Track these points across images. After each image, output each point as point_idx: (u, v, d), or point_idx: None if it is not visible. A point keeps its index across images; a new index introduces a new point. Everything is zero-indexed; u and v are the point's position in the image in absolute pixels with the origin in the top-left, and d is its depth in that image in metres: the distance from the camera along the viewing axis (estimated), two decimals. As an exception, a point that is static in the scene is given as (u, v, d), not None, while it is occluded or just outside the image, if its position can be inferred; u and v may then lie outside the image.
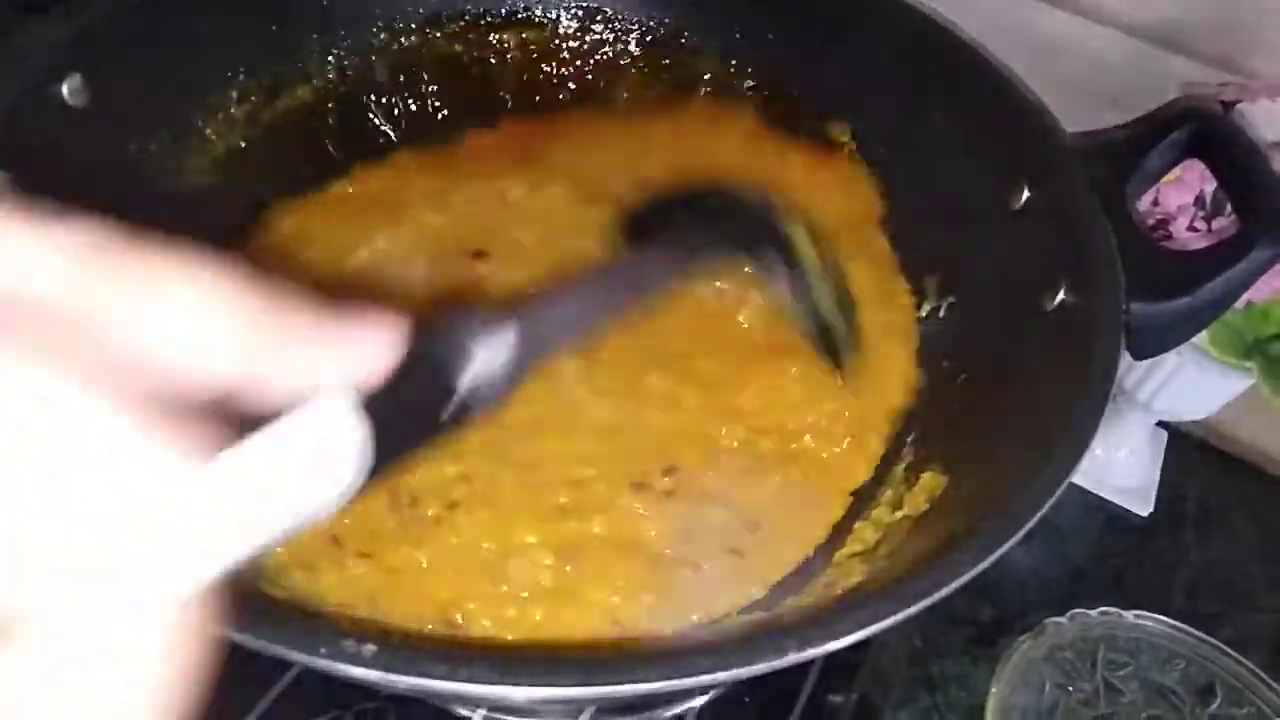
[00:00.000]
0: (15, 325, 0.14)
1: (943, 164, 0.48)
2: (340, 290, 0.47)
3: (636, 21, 0.59)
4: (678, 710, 0.48)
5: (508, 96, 0.59)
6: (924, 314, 0.49)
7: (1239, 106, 0.49)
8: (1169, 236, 0.50)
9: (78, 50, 0.41)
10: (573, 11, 0.59)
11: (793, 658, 0.26)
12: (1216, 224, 0.49)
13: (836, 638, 0.27)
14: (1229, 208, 0.46)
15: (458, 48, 0.58)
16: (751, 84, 0.57)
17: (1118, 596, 0.55)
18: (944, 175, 0.48)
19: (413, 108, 0.57)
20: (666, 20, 0.58)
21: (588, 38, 0.59)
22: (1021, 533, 0.30)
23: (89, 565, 0.14)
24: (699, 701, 0.48)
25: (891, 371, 0.47)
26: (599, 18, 0.59)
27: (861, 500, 0.44)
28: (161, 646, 0.15)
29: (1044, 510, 0.31)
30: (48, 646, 0.14)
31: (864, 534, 0.41)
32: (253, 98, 0.51)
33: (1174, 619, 0.52)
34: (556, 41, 0.59)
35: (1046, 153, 0.43)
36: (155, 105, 0.46)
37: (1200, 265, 0.37)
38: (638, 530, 0.41)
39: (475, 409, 0.23)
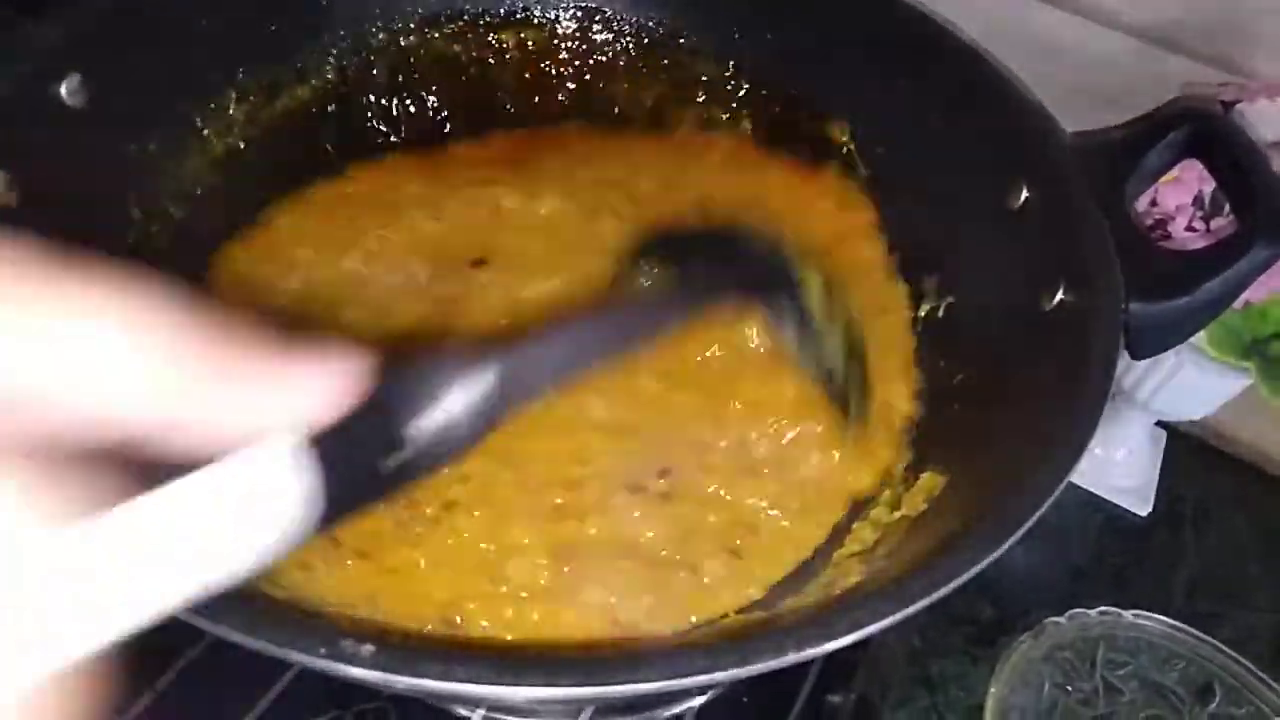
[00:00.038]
0: None
1: (941, 164, 0.48)
2: (317, 311, 0.47)
3: (635, 22, 0.59)
4: (676, 710, 0.48)
5: (506, 97, 0.59)
6: (923, 314, 0.49)
7: (1238, 106, 0.49)
8: (1167, 236, 0.50)
9: (76, 50, 0.41)
10: (571, 12, 0.59)
11: (791, 658, 0.26)
12: (1215, 224, 0.49)
13: (835, 638, 0.27)
14: (1227, 208, 0.46)
15: (456, 48, 0.58)
16: (750, 84, 0.57)
17: (1117, 596, 0.55)
18: (942, 175, 0.48)
19: (411, 109, 0.57)
20: (665, 21, 0.58)
21: (586, 38, 0.59)
22: (1020, 532, 0.30)
23: None
24: (698, 701, 0.48)
25: (894, 379, 0.47)
26: (598, 18, 0.59)
27: (861, 502, 0.44)
28: None
29: (1043, 510, 0.31)
30: None
31: (862, 534, 0.41)
32: (252, 98, 0.51)
33: (1173, 619, 0.53)
34: (555, 42, 0.59)
35: (1045, 153, 0.43)
36: (154, 105, 0.46)
37: (1199, 265, 0.37)
38: (634, 532, 0.41)
39: (444, 456, 0.21)
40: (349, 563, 0.38)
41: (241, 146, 0.50)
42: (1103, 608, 0.53)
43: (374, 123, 0.56)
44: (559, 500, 0.41)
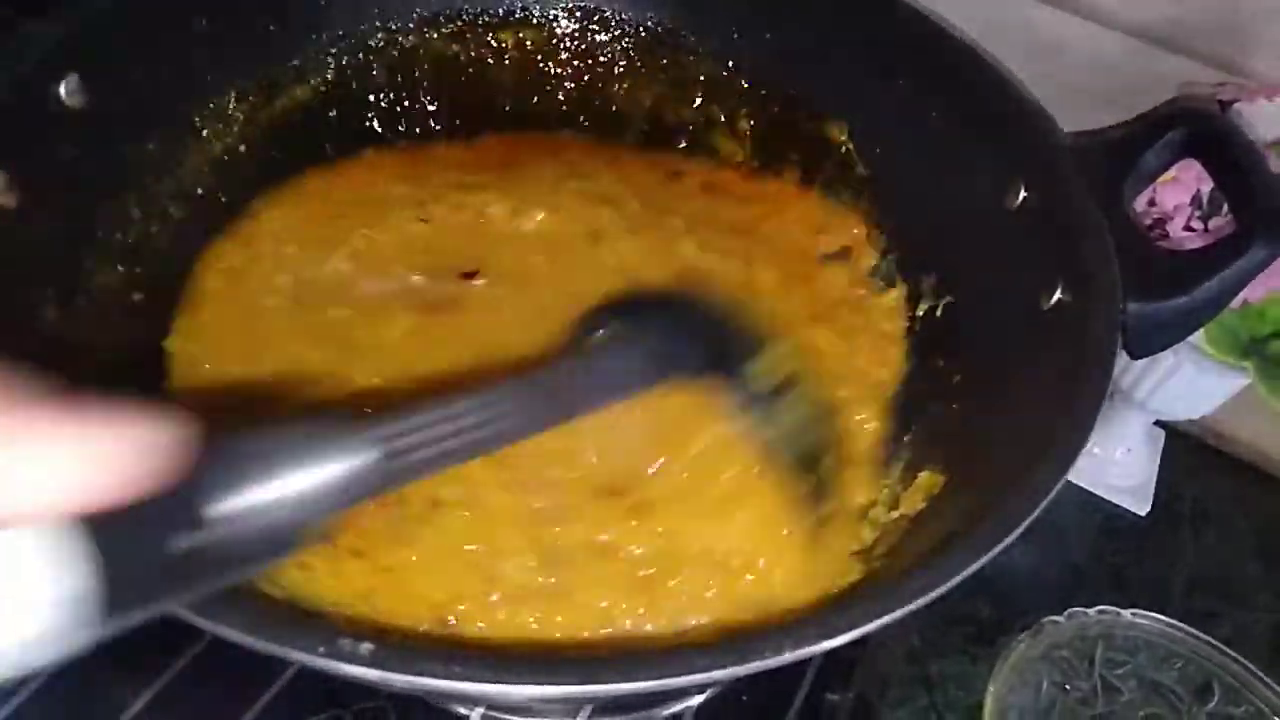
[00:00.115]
0: None
1: (939, 164, 0.48)
2: (305, 310, 0.46)
3: (634, 22, 0.59)
4: (675, 709, 0.48)
5: (505, 98, 0.59)
6: (920, 314, 0.49)
7: (1236, 106, 0.49)
8: (1165, 236, 0.50)
9: (74, 51, 0.41)
10: (570, 12, 0.59)
11: (789, 656, 0.26)
12: (1213, 223, 0.49)
13: (833, 636, 0.27)
14: (1225, 207, 0.46)
15: (455, 48, 0.58)
16: (748, 84, 0.57)
17: (1115, 595, 0.56)
18: (941, 175, 0.48)
19: (411, 109, 0.57)
20: (664, 21, 0.58)
21: (585, 38, 0.59)
22: (1018, 531, 0.30)
23: None
24: (696, 700, 0.48)
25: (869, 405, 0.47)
26: (596, 18, 0.59)
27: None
28: None
29: (1041, 509, 0.31)
30: None
31: (861, 533, 0.41)
32: (250, 98, 0.51)
33: (1172, 617, 0.53)
34: (554, 42, 0.59)
35: (1043, 152, 0.43)
36: (153, 106, 0.46)
37: (1197, 265, 0.37)
38: (618, 538, 0.40)
39: (286, 536, 0.19)
40: (344, 561, 0.38)
41: (240, 147, 0.50)
42: (1101, 607, 0.53)
43: (373, 123, 0.56)
44: (542, 505, 0.41)
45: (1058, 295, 0.39)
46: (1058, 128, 0.43)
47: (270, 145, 0.52)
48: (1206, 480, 0.67)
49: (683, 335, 0.41)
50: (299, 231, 0.50)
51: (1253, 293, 0.50)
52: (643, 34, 0.59)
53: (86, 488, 0.13)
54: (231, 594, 0.26)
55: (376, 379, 0.44)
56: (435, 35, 0.57)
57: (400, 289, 0.48)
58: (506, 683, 0.25)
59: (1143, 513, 0.63)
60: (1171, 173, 0.46)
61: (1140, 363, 0.57)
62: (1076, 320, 0.38)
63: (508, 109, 0.59)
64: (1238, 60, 0.58)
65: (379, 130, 0.56)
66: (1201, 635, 0.52)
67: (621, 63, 0.59)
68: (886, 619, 0.28)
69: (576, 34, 0.59)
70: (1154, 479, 0.65)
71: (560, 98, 0.60)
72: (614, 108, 0.59)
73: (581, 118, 0.60)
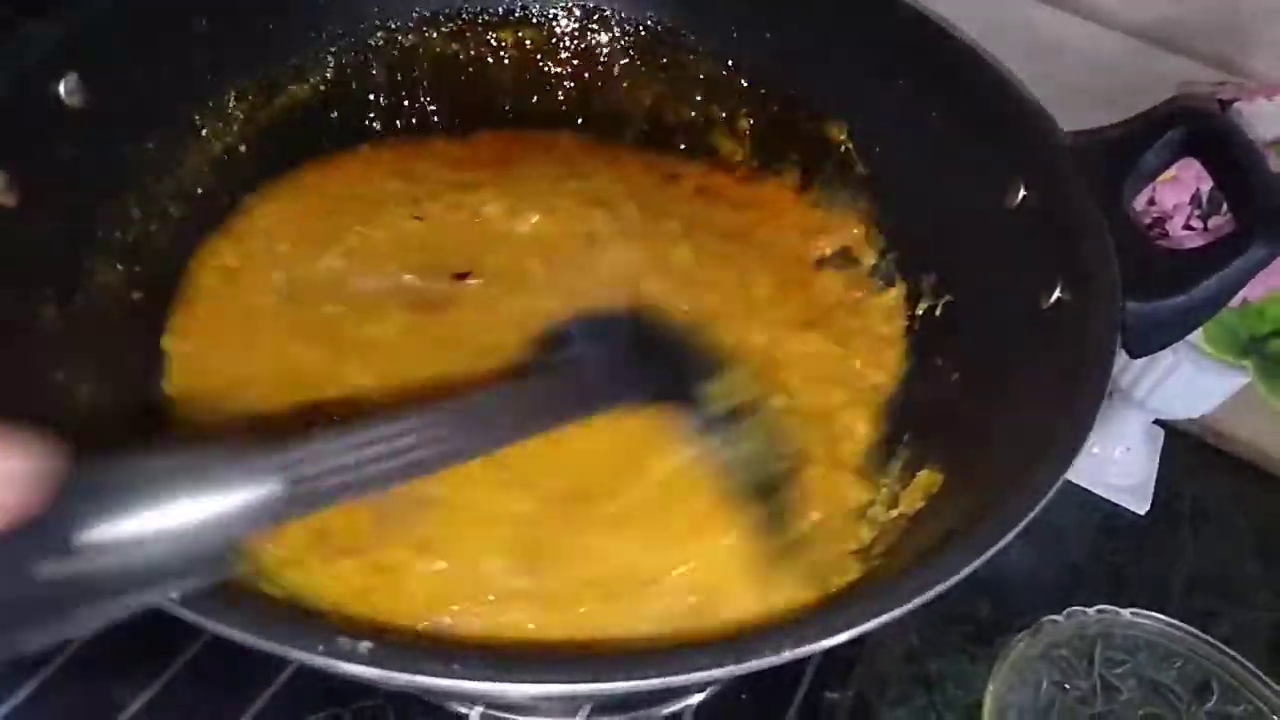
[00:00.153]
0: None
1: (939, 163, 0.48)
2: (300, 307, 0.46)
3: (634, 21, 0.59)
4: (675, 707, 0.48)
5: (505, 98, 0.59)
6: (920, 313, 0.49)
7: (1235, 105, 0.49)
8: (1165, 235, 0.50)
9: (75, 50, 0.41)
10: (570, 11, 0.59)
11: (788, 654, 0.26)
12: (1212, 223, 0.49)
13: (832, 634, 0.27)
14: (1225, 206, 0.46)
15: (455, 47, 0.58)
16: (748, 83, 0.57)
17: (1115, 594, 0.56)
18: (940, 175, 0.48)
19: (410, 108, 0.57)
20: (664, 20, 0.58)
21: (585, 38, 0.59)
22: (1017, 530, 0.30)
23: None
24: (696, 699, 0.48)
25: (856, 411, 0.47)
26: (596, 18, 0.59)
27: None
28: None
29: (1040, 508, 0.31)
30: None
31: (860, 532, 0.41)
32: (250, 97, 0.51)
33: (1171, 617, 0.53)
34: (554, 41, 0.59)
35: (1043, 152, 0.43)
36: (152, 105, 0.46)
37: (1196, 263, 0.37)
38: (607, 545, 0.40)
39: (201, 564, 0.19)
40: (338, 560, 0.38)
41: (240, 146, 0.50)
42: (1100, 606, 0.53)
43: (373, 122, 0.56)
44: (527, 507, 0.40)
45: (1057, 294, 0.39)
46: (1058, 127, 0.43)
47: (270, 144, 0.52)
48: (1206, 479, 0.67)
49: (635, 360, 0.40)
50: (293, 228, 0.50)
51: (1252, 291, 0.50)
52: (642, 33, 0.59)
53: None
54: (231, 594, 0.26)
55: (369, 377, 0.44)
56: (434, 34, 0.57)
57: (394, 287, 0.48)
58: (507, 681, 0.25)
59: (1142, 512, 0.63)
60: (1171, 172, 0.46)
61: (1139, 362, 0.57)
62: (1076, 319, 0.38)
63: (507, 108, 0.59)
64: (1237, 60, 0.58)
65: (379, 129, 0.56)
66: (1201, 634, 0.52)
67: (621, 62, 0.59)
68: (885, 618, 0.28)
69: (576, 33, 0.59)
70: (1153, 478, 0.65)
71: (560, 97, 0.60)
72: (614, 107, 0.59)
73: (581, 117, 0.60)
